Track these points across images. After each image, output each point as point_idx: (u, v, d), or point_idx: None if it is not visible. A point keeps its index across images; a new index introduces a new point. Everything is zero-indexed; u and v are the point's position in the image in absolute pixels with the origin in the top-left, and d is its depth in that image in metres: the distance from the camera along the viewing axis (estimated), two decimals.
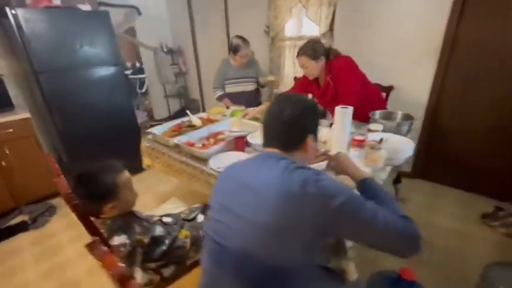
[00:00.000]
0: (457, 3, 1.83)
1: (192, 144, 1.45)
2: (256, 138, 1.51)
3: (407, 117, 1.50)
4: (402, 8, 2.06)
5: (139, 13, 3.83)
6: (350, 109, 1.19)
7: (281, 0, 2.69)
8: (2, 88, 2.18)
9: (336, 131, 1.24)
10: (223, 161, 1.27)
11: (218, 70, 2.54)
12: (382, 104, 1.84)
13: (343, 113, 1.19)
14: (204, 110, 4.55)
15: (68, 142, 2.25)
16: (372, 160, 1.01)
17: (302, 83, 1.92)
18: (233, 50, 2.34)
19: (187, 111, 1.94)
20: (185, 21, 3.94)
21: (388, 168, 1.20)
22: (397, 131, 1.43)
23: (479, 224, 1.86)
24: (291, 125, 0.74)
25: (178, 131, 1.72)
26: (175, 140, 1.47)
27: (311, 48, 1.65)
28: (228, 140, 1.44)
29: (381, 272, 1.06)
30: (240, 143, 1.41)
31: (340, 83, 1.67)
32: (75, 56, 2.16)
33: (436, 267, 1.55)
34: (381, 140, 1.11)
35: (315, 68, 1.68)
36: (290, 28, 2.91)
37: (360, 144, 1.12)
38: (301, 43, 2.85)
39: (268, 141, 0.79)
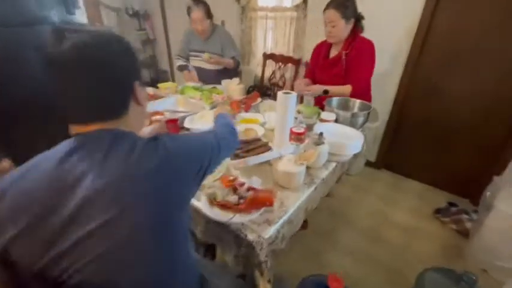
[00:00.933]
0: None
1: None
2: (197, 121, 1.33)
3: (364, 107, 1.36)
4: None
5: None
6: (293, 95, 1.02)
7: None
8: None
9: (277, 121, 1.08)
10: None
11: (182, 36, 2.23)
12: (370, 97, 1.67)
13: (286, 99, 1.02)
14: (174, 81, 4.23)
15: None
16: (303, 158, 0.87)
17: (314, 53, 1.72)
18: (187, 13, 2.00)
19: None
20: None
21: (332, 165, 1.07)
22: (352, 122, 1.29)
23: (431, 219, 1.84)
24: (106, 74, 0.49)
25: None
26: None
27: (343, 5, 1.38)
28: (160, 123, 1.24)
29: (311, 276, 0.98)
30: (171, 127, 1.22)
31: (356, 64, 1.47)
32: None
33: (379, 263, 1.52)
34: (321, 134, 0.97)
35: (343, 29, 1.43)
36: None
37: (298, 137, 0.97)
38: (273, 15, 2.63)
39: (76, 114, 0.50)
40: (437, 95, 1.92)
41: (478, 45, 1.67)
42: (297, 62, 2.33)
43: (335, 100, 1.44)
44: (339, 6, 1.39)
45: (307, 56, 2.51)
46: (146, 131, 1.22)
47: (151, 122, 1.31)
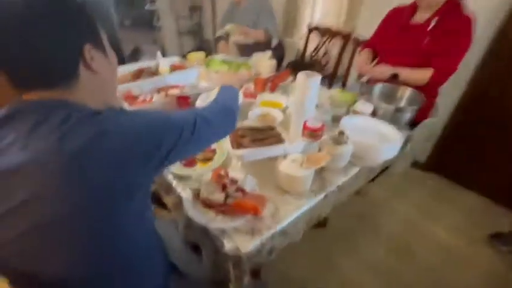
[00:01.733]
0: None
1: (131, 98, 1.21)
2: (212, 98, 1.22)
3: (415, 99, 1.07)
4: None
5: None
6: (316, 78, 0.82)
7: None
8: None
9: (294, 110, 0.90)
10: None
11: (227, 5, 2.06)
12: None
13: (306, 82, 0.83)
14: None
15: None
16: (311, 160, 0.69)
17: (388, 18, 1.37)
18: None
19: (158, 53, 1.65)
20: None
21: (354, 170, 0.87)
22: (394, 117, 1.03)
23: (484, 245, 1.50)
24: (40, 32, 0.41)
25: (137, 77, 1.47)
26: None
27: None
28: (170, 98, 1.16)
29: None
30: (182, 104, 1.13)
31: (448, 43, 1.11)
32: None
33: (400, 283, 1.30)
34: (341, 133, 0.77)
35: None
36: None
37: (312, 133, 0.78)
38: None
39: (15, 77, 0.44)
40: None
41: None
42: (346, 37, 1.98)
43: (379, 87, 1.17)
44: None
45: (360, 30, 2.14)
46: (154, 105, 1.16)
47: (166, 96, 1.24)
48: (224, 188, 0.71)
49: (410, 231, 1.57)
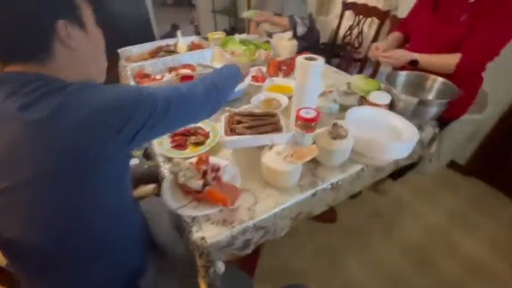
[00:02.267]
0: None
1: (143, 76, 1.23)
2: None
3: (447, 91, 0.89)
4: None
5: None
6: (318, 63, 0.73)
7: None
8: None
9: (294, 98, 0.82)
10: None
11: None
12: (479, 80, 1.11)
13: (306, 68, 0.74)
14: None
15: None
16: (296, 155, 0.62)
17: None
18: None
19: (178, 31, 1.64)
20: None
21: (354, 168, 0.78)
22: (417, 112, 0.88)
23: None
24: (10, 9, 0.42)
25: (154, 54, 1.49)
26: (130, 66, 1.26)
27: None
28: (172, 78, 1.15)
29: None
30: None
31: (488, 23, 0.90)
32: None
33: None
34: (335, 125, 0.67)
35: None
36: None
37: (306, 124, 0.69)
38: None
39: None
40: None
41: None
42: (383, 15, 1.74)
43: (403, 75, 1.01)
44: None
45: (401, 8, 1.87)
46: (163, 84, 1.16)
47: (177, 75, 1.24)
48: (204, 175, 0.69)
49: (433, 238, 1.41)
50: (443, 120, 1.03)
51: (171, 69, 1.31)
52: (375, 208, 1.57)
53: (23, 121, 0.40)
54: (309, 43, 1.79)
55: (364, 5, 1.87)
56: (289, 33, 1.55)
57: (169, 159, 0.80)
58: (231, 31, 4.33)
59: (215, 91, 0.64)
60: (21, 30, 0.43)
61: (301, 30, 1.60)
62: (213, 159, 0.74)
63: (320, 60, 0.74)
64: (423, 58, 1.00)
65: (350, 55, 2.06)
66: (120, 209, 0.55)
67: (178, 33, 1.62)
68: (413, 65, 1.02)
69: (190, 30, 4.68)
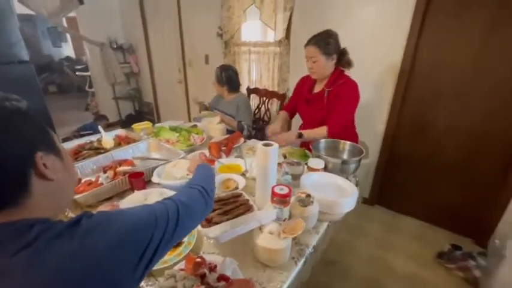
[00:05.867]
0: (415, 27, 1.67)
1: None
2: (169, 173, 1.16)
3: (356, 152, 1.24)
4: (362, 20, 1.84)
5: (81, 2, 3.26)
6: (275, 148, 0.89)
7: (234, 0, 2.38)
8: None
9: (258, 178, 0.93)
10: None
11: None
12: (356, 136, 1.62)
13: (266, 153, 0.89)
14: (158, 115, 4.11)
15: None
16: (288, 230, 0.71)
17: (298, 86, 1.69)
18: None
19: (100, 127, 1.54)
20: (137, 15, 3.48)
21: (323, 227, 0.91)
22: (342, 169, 1.16)
23: (435, 265, 1.67)
24: None
25: (77, 155, 1.32)
26: None
27: (324, 41, 1.35)
28: (120, 178, 1.07)
29: None
30: (136, 182, 1.05)
31: (336, 106, 1.41)
32: None
33: None
34: (308, 195, 0.83)
35: (324, 65, 1.40)
36: (247, 32, 2.61)
37: (282, 200, 0.81)
38: (257, 50, 2.62)
39: None
40: (426, 131, 1.85)
41: (464, 79, 1.64)
42: (282, 97, 2.25)
43: (322, 143, 1.32)
44: (320, 42, 1.36)
45: (292, 91, 2.46)
46: (105, 188, 1.04)
47: (115, 175, 1.14)
48: (203, 278, 0.65)
49: (376, 266, 1.66)
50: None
51: (105, 168, 1.19)
52: (324, 258, 1.72)
53: (30, 280, 0.34)
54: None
55: (266, 89, 2.35)
56: (217, 118, 1.75)
57: (153, 275, 0.71)
58: (137, 115, 4.29)
59: (208, 195, 0.64)
60: None
61: (245, 133, 1.88)
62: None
63: (276, 145, 0.90)
64: (305, 132, 1.43)
65: (263, 127, 2.44)
66: None
67: (100, 128, 1.53)
68: (300, 137, 1.42)
69: (88, 117, 4.32)
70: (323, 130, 1.41)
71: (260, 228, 0.75)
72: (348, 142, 1.30)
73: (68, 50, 6.72)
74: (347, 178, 1.11)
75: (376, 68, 1.87)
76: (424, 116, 1.83)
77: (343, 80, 1.42)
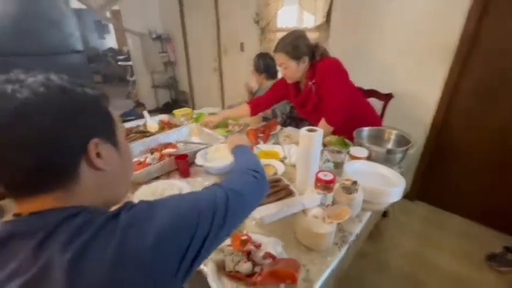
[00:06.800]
0: (478, 4, 1.48)
1: None
2: (212, 156, 1.21)
3: (402, 142, 1.17)
4: (413, 2, 1.69)
5: None
6: (319, 133, 0.88)
7: None
8: None
9: (299, 163, 0.93)
10: (147, 194, 0.96)
11: None
12: (376, 119, 1.51)
13: (309, 138, 0.88)
14: (193, 104, 4.25)
15: None
16: (334, 215, 0.70)
17: (278, 87, 1.57)
18: None
19: (145, 112, 1.64)
20: (175, 4, 3.58)
21: (366, 216, 0.89)
22: (387, 159, 1.11)
23: (485, 268, 1.54)
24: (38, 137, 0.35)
25: (126, 137, 1.43)
26: None
27: (291, 45, 1.29)
28: (167, 159, 1.14)
29: None
30: (181, 164, 1.11)
31: (325, 91, 1.32)
32: (29, 42, 1.88)
33: None
34: (354, 183, 0.81)
35: (296, 70, 1.33)
36: (283, 18, 2.55)
37: (326, 186, 0.80)
38: None
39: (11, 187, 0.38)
40: (481, 123, 1.68)
41: None
42: None
43: (365, 131, 1.27)
44: (286, 47, 1.29)
45: None
46: (153, 168, 1.12)
47: (161, 156, 1.21)
48: (249, 255, 0.67)
49: (416, 262, 1.58)
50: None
51: (151, 150, 1.28)
52: (358, 249, 1.68)
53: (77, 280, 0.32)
54: None
55: None
56: None
57: None
58: (173, 103, 4.48)
59: (262, 177, 0.60)
60: (48, 153, 0.36)
61: (279, 120, 1.89)
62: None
63: (320, 131, 0.89)
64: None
65: (297, 115, 2.40)
66: None
67: (145, 113, 1.63)
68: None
69: (129, 104, 4.63)
70: (323, 125, 1.31)
71: (304, 211, 0.75)
72: (394, 131, 1.23)
73: (110, 41, 7.17)
74: (391, 169, 1.06)
75: (426, 50, 1.72)
76: (481, 106, 1.66)
77: (322, 63, 1.31)
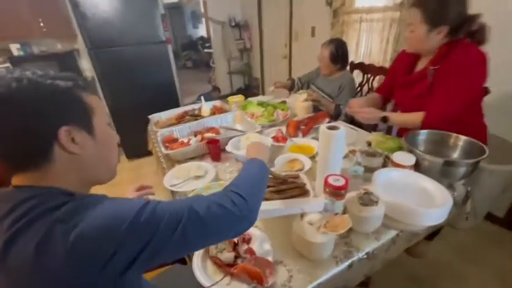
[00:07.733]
0: None
1: (171, 140, 1.32)
2: (243, 144, 1.23)
3: (472, 151, 0.89)
4: None
5: None
6: (341, 132, 0.77)
7: None
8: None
9: (319, 164, 0.85)
10: (178, 175, 1.07)
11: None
12: (482, 132, 1.16)
13: (329, 137, 0.78)
14: (263, 90, 4.34)
15: (116, 116, 2.50)
16: (330, 225, 0.61)
17: (397, 61, 1.30)
18: None
19: (202, 97, 1.80)
20: None
21: (389, 235, 0.75)
22: (444, 172, 0.87)
23: None
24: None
25: (181, 119, 1.61)
26: (160, 132, 1.37)
27: (438, 2, 0.96)
28: (201, 143, 1.22)
29: None
30: (212, 148, 1.17)
31: (443, 84, 1.01)
32: (123, 34, 2.31)
33: None
34: (367, 193, 0.67)
35: (423, 38, 1.01)
36: None
37: (335, 192, 0.70)
38: (370, 17, 2.19)
39: None
40: None
41: None
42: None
43: (423, 134, 1.03)
44: (423, 5, 0.98)
45: None
46: (191, 148, 1.22)
47: (202, 139, 1.31)
48: (235, 246, 0.68)
49: None
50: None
51: (196, 133, 1.40)
52: (412, 271, 1.43)
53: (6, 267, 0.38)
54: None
55: (372, 65, 2.01)
56: (304, 95, 1.66)
57: None
58: (245, 89, 4.69)
59: (242, 204, 0.50)
60: (20, 139, 0.43)
61: (341, 118, 1.66)
62: None
63: (341, 129, 0.78)
64: (392, 115, 1.14)
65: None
66: None
67: (202, 98, 1.78)
68: (383, 121, 1.12)
69: (207, 89, 5.13)
70: (418, 116, 1.07)
71: (302, 215, 0.70)
72: (465, 137, 0.95)
73: (202, 30, 7.97)
74: (452, 185, 0.85)
75: None
76: None
77: (460, 51, 0.98)
